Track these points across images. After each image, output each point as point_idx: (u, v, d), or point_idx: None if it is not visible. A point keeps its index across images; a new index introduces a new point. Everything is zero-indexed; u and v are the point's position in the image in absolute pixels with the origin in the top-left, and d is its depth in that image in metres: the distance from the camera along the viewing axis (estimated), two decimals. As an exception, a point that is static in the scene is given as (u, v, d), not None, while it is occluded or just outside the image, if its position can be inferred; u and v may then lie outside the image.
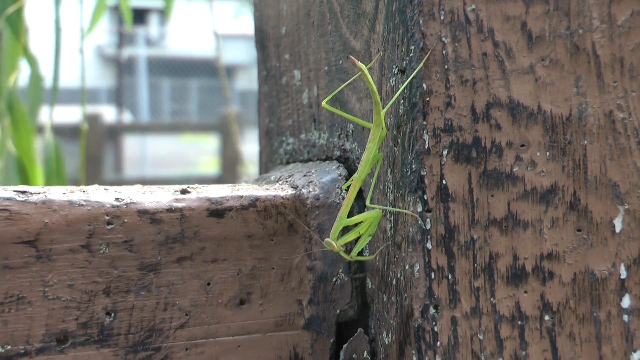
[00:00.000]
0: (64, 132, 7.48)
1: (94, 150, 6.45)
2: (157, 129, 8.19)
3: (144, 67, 15.11)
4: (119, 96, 12.74)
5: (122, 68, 13.58)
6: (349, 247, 0.64)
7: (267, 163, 0.86)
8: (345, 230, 0.61)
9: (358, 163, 0.66)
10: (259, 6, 0.88)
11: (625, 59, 0.57)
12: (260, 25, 0.87)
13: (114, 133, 7.60)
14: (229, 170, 6.52)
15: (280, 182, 0.67)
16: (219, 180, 6.65)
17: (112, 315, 0.59)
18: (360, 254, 0.63)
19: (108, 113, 10.43)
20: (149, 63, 15.75)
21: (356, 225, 0.60)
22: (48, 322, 0.57)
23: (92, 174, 6.40)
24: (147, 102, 15.02)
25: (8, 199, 0.57)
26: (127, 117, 12.72)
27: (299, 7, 0.76)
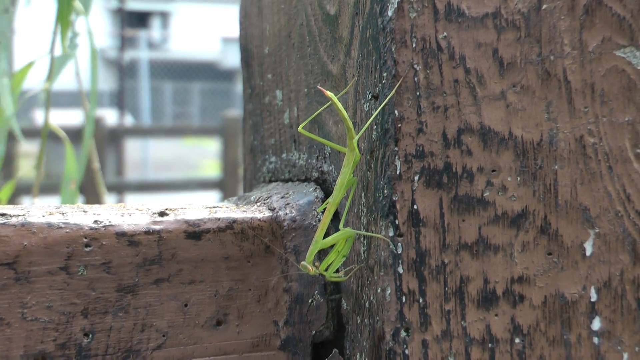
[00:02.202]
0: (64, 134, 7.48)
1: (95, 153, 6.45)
2: (159, 132, 8.20)
3: (146, 70, 15.13)
4: (121, 99, 12.75)
5: (124, 71, 13.60)
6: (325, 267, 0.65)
7: (251, 180, 0.87)
8: (322, 252, 0.62)
9: (334, 185, 0.66)
10: (244, 25, 0.88)
11: (596, 84, 0.58)
12: (245, 44, 0.88)
13: (116, 136, 7.61)
14: (231, 174, 6.53)
15: (258, 204, 0.68)
16: (220, 183, 6.66)
17: (90, 336, 0.60)
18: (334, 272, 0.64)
19: (110, 116, 10.44)
20: (151, 66, 15.78)
21: (333, 247, 0.61)
22: (27, 343, 0.58)
23: (93, 178, 6.41)
24: (149, 105, 15.03)
25: (-13, 221, 0.58)
26: (128, 120, 12.73)
27: (280, 28, 0.77)
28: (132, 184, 7.25)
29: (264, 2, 0.81)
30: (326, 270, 0.61)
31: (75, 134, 6.70)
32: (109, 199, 7.19)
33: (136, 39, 16.00)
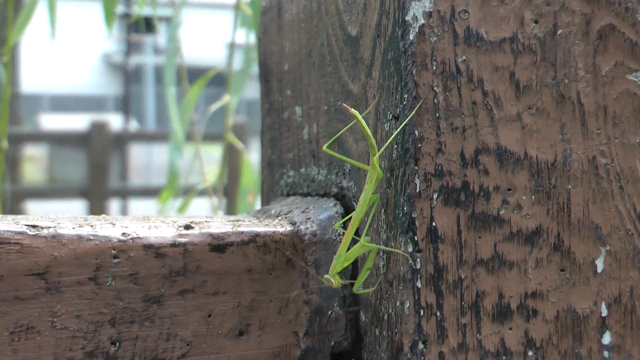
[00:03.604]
0: (69, 139, 7.52)
1: (100, 158, 6.48)
2: (164, 138, 8.20)
3: (151, 75, 15.16)
4: (126, 104, 12.78)
5: (130, 76, 13.63)
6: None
7: (269, 193, 0.89)
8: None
9: (354, 201, 0.69)
10: (263, 41, 0.91)
11: (608, 107, 0.60)
12: (264, 60, 0.91)
13: (120, 141, 7.62)
14: (234, 180, 6.54)
15: (279, 218, 0.70)
16: (224, 189, 6.65)
17: (117, 344, 0.62)
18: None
19: (114, 121, 10.47)
20: (157, 71, 15.80)
21: (360, 263, 0.63)
22: (56, 351, 0.60)
23: (97, 182, 6.44)
24: (153, 110, 15.06)
25: (20, 233, 0.60)
26: (133, 126, 12.75)
27: (301, 47, 0.79)
28: (137, 189, 7.28)
29: (284, 20, 0.83)
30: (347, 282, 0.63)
31: (81, 139, 6.73)
32: (113, 203, 7.20)
33: (142, 44, 16.03)
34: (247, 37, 1.61)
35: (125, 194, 7.08)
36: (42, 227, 0.61)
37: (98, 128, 6.54)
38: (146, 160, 11.83)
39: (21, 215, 0.64)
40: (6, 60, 1.52)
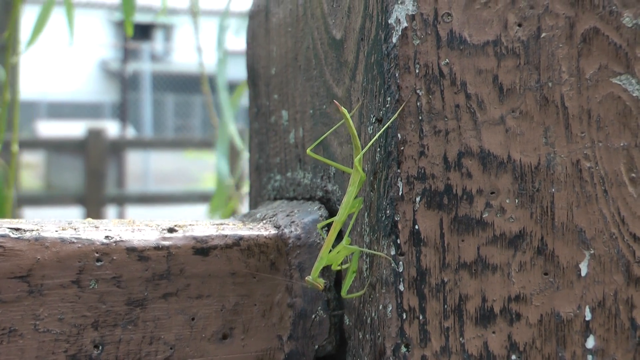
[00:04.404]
0: (66, 146, 7.52)
1: (97, 165, 6.47)
2: (161, 145, 8.21)
3: (148, 82, 15.17)
4: (123, 111, 12.78)
5: (126, 83, 13.63)
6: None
7: (257, 197, 0.89)
8: (324, 268, 0.64)
9: (338, 204, 0.68)
10: (251, 45, 0.91)
11: (592, 110, 0.60)
12: (252, 64, 0.91)
13: (117, 148, 7.63)
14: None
15: (264, 221, 0.70)
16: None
17: (100, 348, 0.62)
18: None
19: (111, 128, 10.47)
20: (154, 78, 15.81)
21: (347, 268, 0.63)
22: (38, 354, 0.60)
23: (94, 189, 6.43)
24: (150, 117, 15.07)
25: (2, 235, 0.60)
26: (130, 132, 12.76)
27: (287, 50, 0.79)
28: (133, 195, 7.27)
29: (272, 24, 0.83)
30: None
31: (78, 146, 6.73)
32: (110, 210, 7.20)
33: (139, 51, 16.04)
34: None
35: (122, 200, 7.08)
36: (25, 230, 0.61)
37: (95, 135, 6.54)
38: (143, 167, 11.83)
39: (5, 219, 0.64)
40: (15, 62, 1.52)
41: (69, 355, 0.61)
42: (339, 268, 0.64)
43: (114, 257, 0.62)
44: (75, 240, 0.62)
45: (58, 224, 0.64)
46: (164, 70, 16.81)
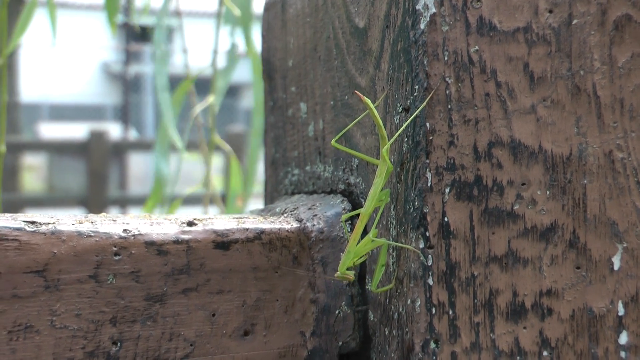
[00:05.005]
0: (68, 148, 7.50)
1: (99, 167, 6.47)
2: (163, 147, 8.17)
3: (150, 84, 15.16)
4: (125, 113, 12.77)
5: (128, 85, 13.63)
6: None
7: (273, 192, 0.87)
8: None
9: (362, 197, 0.67)
10: (267, 38, 0.89)
11: (625, 99, 0.58)
12: (267, 57, 0.89)
13: (120, 150, 7.62)
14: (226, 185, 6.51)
15: (285, 215, 0.69)
16: (223, 198, 6.63)
17: (119, 344, 0.60)
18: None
19: (113, 130, 10.46)
20: (154, 80, 15.78)
21: (376, 262, 0.61)
22: (55, 351, 0.59)
23: (96, 191, 6.42)
24: (152, 119, 15.06)
25: (18, 229, 0.58)
26: (132, 135, 12.75)
27: (305, 42, 0.77)
28: (135, 197, 7.24)
29: (288, 15, 0.82)
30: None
31: (80, 148, 6.72)
32: (112, 212, 7.18)
33: (140, 53, 16.03)
34: (231, 35, 1.58)
35: (124, 202, 7.06)
36: (40, 224, 0.59)
37: (97, 137, 6.53)
38: (145, 169, 11.81)
39: (20, 213, 0.62)
40: (1, 63, 1.50)
41: (86, 352, 0.59)
42: (360, 261, 0.62)
43: (133, 251, 0.61)
44: (92, 234, 0.60)
45: (74, 217, 0.62)
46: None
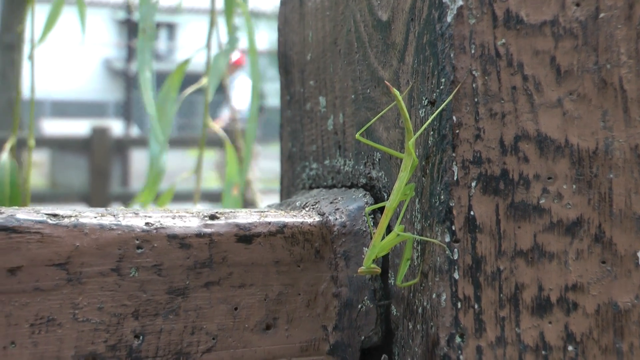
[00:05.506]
0: (71, 144, 7.50)
1: (101, 163, 6.47)
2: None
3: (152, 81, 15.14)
4: (127, 110, 12.76)
5: (130, 82, 13.62)
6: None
7: (289, 187, 0.87)
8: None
9: (384, 191, 0.66)
10: (283, 32, 0.89)
11: (651, 94, 0.58)
12: (284, 51, 0.88)
13: (122, 146, 7.62)
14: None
15: (306, 209, 0.68)
16: (221, 195, 6.59)
17: (141, 338, 0.60)
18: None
19: (116, 126, 10.45)
20: (157, 77, 15.78)
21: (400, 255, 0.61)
22: (77, 344, 0.58)
23: (99, 187, 6.42)
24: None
25: (40, 222, 0.58)
26: (134, 131, 12.74)
27: (325, 35, 0.77)
28: (138, 194, 7.25)
29: (307, 9, 0.81)
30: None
31: (83, 144, 6.72)
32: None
33: (142, 50, 16.00)
34: (227, 21, 1.57)
35: (127, 199, 7.05)
36: (63, 217, 0.59)
37: (99, 133, 6.53)
38: (147, 166, 11.81)
39: (41, 207, 0.62)
40: (30, 56, 1.50)
41: (108, 346, 0.59)
42: (382, 254, 0.61)
43: (155, 245, 0.60)
44: (115, 227, 0.60)
45: (96, 210, 0.62)
46: (167, 69, 16.79)
